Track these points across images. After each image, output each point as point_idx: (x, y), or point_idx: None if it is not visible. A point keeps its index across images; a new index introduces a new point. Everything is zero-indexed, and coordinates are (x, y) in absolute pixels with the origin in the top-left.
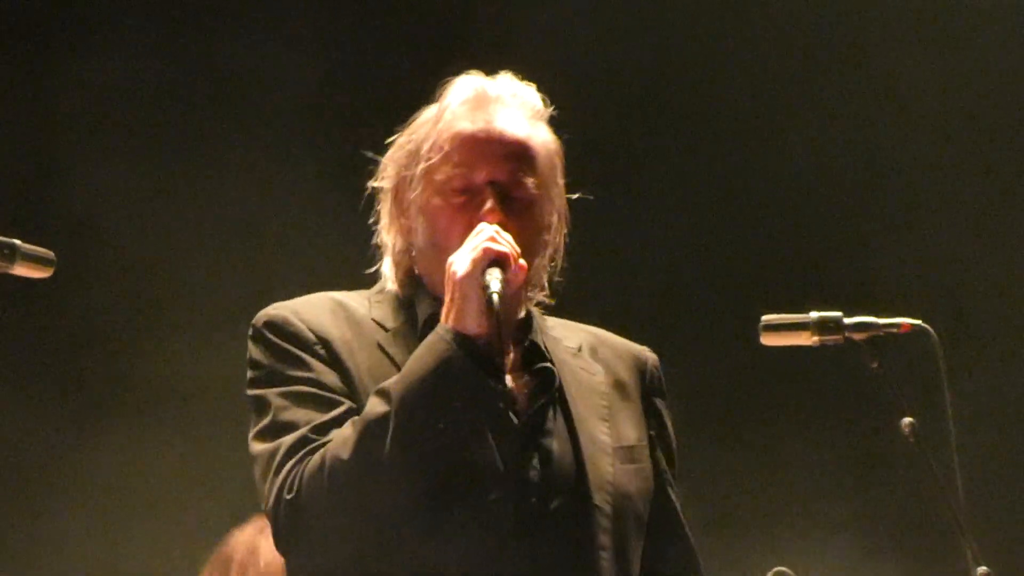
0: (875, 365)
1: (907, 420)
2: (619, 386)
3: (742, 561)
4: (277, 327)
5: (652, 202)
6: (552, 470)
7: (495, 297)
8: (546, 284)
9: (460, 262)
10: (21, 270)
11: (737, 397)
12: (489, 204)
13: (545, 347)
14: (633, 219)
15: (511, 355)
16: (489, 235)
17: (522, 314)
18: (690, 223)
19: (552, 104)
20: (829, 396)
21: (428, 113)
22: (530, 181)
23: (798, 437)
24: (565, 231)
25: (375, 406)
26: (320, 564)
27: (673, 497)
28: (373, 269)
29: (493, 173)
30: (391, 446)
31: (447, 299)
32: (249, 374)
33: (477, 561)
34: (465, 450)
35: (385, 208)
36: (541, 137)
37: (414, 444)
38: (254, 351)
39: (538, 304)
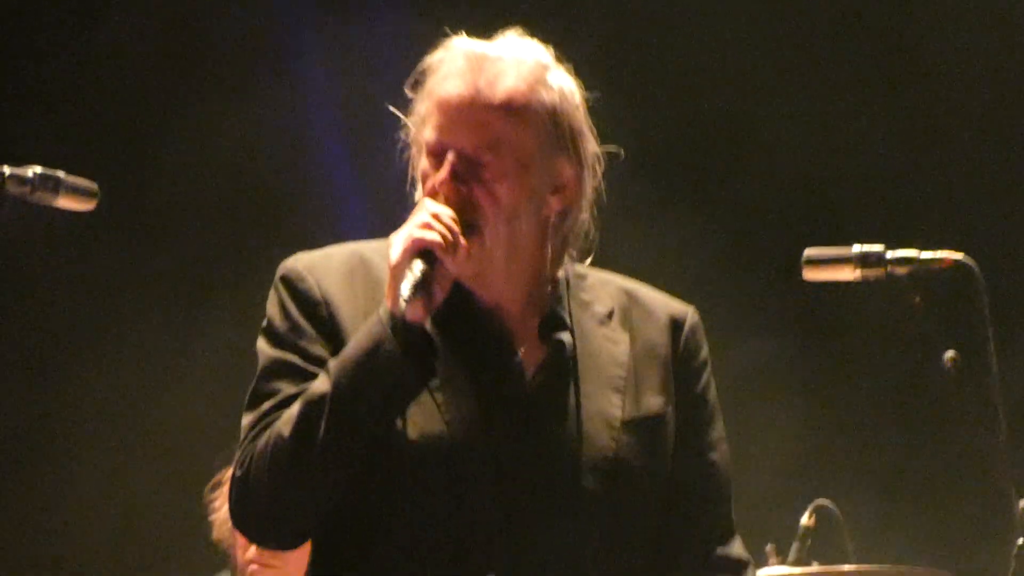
0: (917, 299)
1: (949, 354)
2: (648, 350)
3: (785, 495)
4: (289, 281)
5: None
6: (545, 449)
7: (403, 299)
8: (582, 236)
9: (395, 244)
10: (65, 202)
11: (779, 333)
12: (442, 174)
13: (570, 314)
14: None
15: (532, 325)
16: (424, 220)
17: (558, 273)
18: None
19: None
20: (871, 332)
21: (431, 69)
22: (506, 148)
23: (840, 372)
24: (592, 185)
25: (319, 384)
26: (272, 543)
27: (712, 459)
28: None
29: (458, 139)
30: (325, 429)
31: (389, 280)
32: (263, 323)
33: (455, 549)
34: (425, 435)
35: (414, 160)
36: (536, 96)
37: (344, 427)
38: (270, 301)
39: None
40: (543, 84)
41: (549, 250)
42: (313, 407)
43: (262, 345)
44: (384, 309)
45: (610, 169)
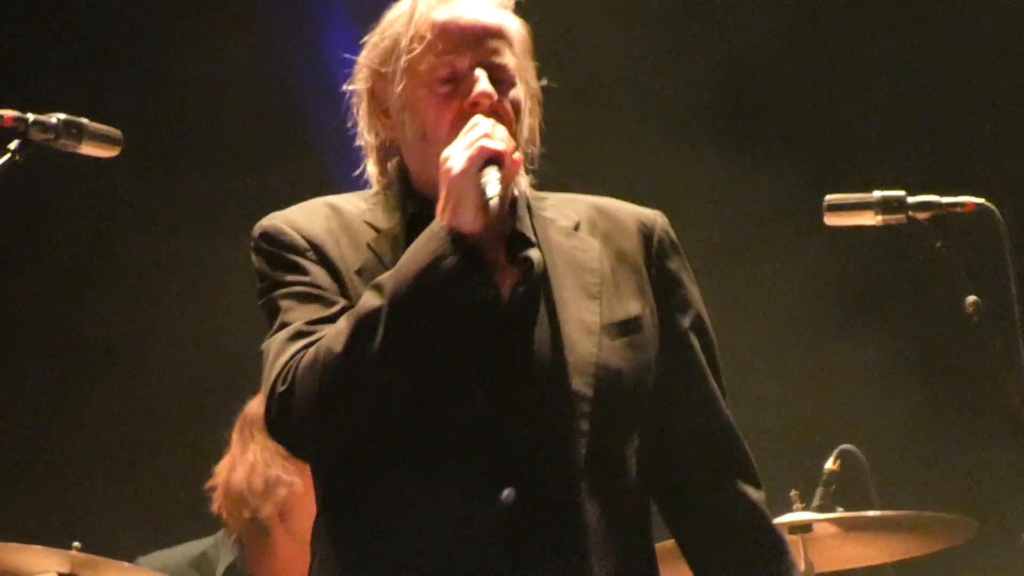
0: (939, 244)
1: (971, 299)
2: (620, 257)
3: (809, 439)
4: (271, 237)
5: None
6: (530, 359)
7: (494, 201)
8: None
9: (456, 158)
10: (88, 149)
11: (802, 284)
12: (482, 84)
13: (534, 231)
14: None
15: (494, 244)
16: (484, 131)
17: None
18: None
19: None
20: (894, 276)
21: (399, 8)
22: (511, 62)
23: (865, 317)
24: (539, 116)
25: (369, 300)
26: (309, 455)
27: (700, 358)
28: (358, 172)
29: (478, 55)
30: (382, 339)
31: (442, 195)
32: (258, 285)
33: (449, 464)
34: (453, 346)
35: (363, 109)
36: (512, 22)
37: (405, 338)
38: (256, 262)
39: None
40: (509, 12)
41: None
42: (367, 320)
43: (265, 298)
44: (439, 224)
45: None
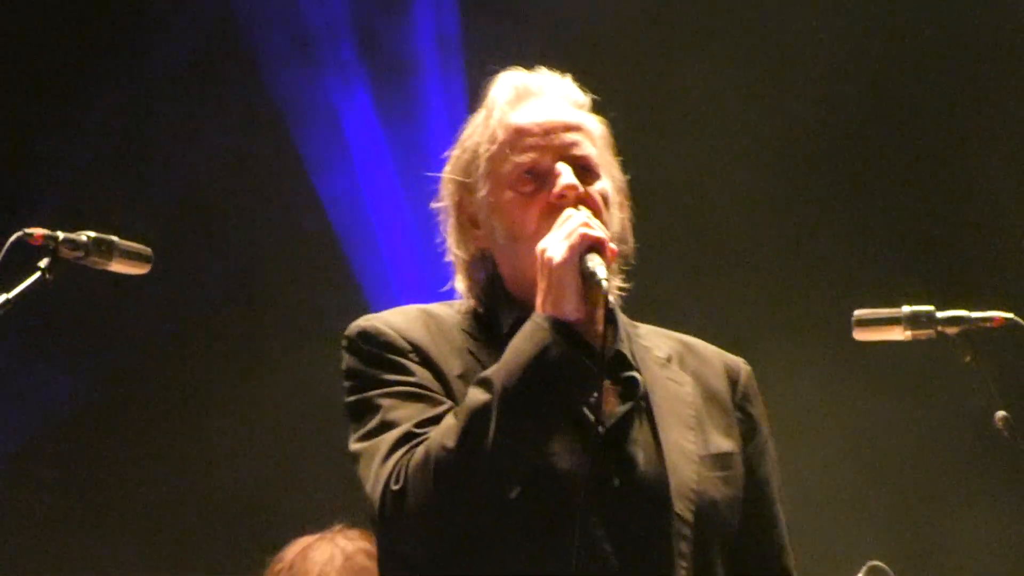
0: (968, 359)
1: (1000, 414)
2: (709, 396)
3: (838, 555)
4: (370, 337)
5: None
6: (635, 477)
7: (604, 283)
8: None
9: (555, 248)
10: (118, 266)
11: (828, 389)
12: (566, 176)
13: (632, 355)
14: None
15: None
16: (582, 220)
17: (612, 300)
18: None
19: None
20: (922, 390)
21: (476, 119)
22: (593, 155)
23: (891, 429)
24: (628, 208)
25: (476, 395)
26: (421, 555)
27: (776, 511)
28: (447, 287)
29: (559, 150)
30: (495, 433)
31: (541, 286)
32: (346, 384)
33: (557, 564)
34: (562, 441)
35: (451, 224)
36: (590, 119)
37: (517, 429)
38: (350, 361)
39: (622, 306)
40: (586, 112)
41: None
42: (476, 416)
43: (360, 396)
44: (540, 314)
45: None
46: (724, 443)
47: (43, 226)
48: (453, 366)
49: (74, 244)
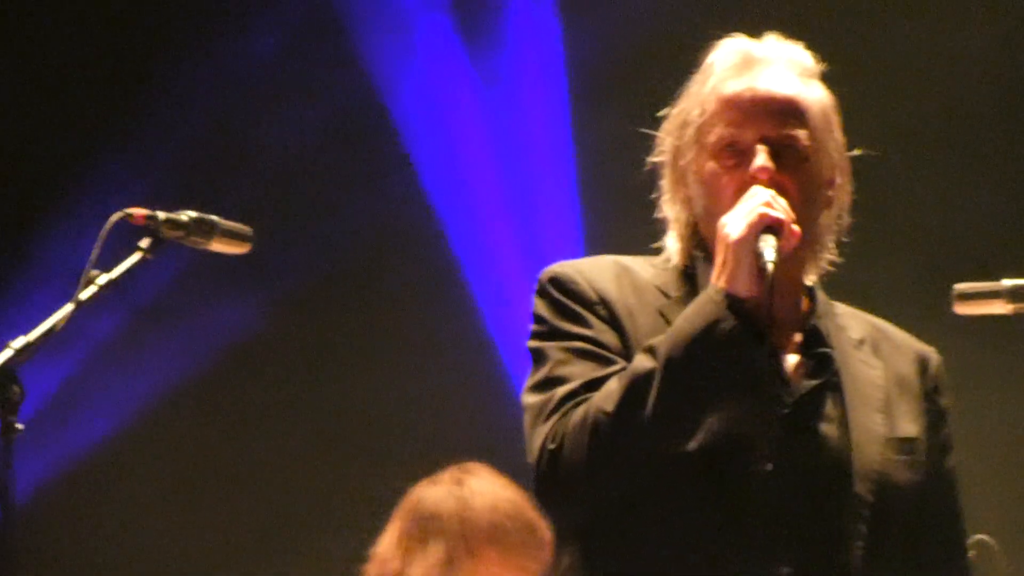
0: None
1: None
2: (899, 381)
3: None
4: (561, 283)
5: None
6: (817, 453)
7: (770, 266)
8: (831, 245)
9: (733, 224)
10: (219, 246)
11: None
12: (760, 159)
13: (828, 333)
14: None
15: (794, 337)
16: (764, 199)
17: (808, 281)
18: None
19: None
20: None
21: (698, 78)
22: (803, 135)
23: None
24: (850, 189)
25: (642, 362)
26: (574, 515)
27: (958, 500)
28: (659, 244)
29: (762, 129)
30: (654, 402)
31: (718, 261)
32: (532, 327)
33: (729, 534)
34: (727, 414)
35: (665, 181)
36: (812, 93)
37: (677, 402)
38: (539, 305)
39: (821, 279)
40: (814, 83)
41: (812, 254)
42: (639, 383)
43: (542, 343)
44: (716, 288)
45: None
46: (911, 428)
47: (141, 206)
48: (640, 324)
49: (175, 224)
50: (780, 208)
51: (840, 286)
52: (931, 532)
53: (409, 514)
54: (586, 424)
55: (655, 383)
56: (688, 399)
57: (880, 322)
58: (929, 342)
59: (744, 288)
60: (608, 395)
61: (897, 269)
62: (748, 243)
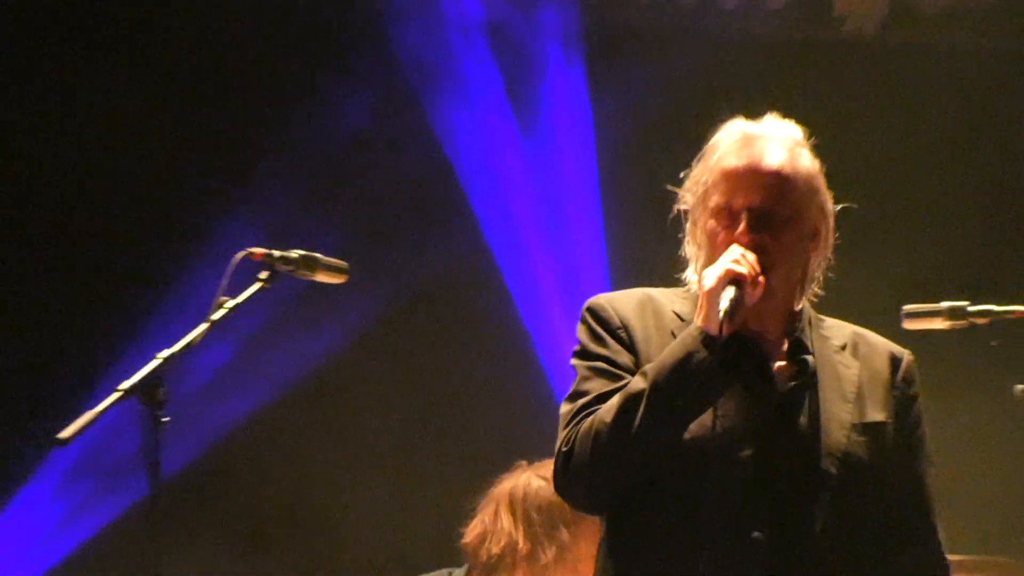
0: (994, 343)
1: (1020, 387)
2: (873, 376)
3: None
4: (594, 312)
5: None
6: (793, 438)
7: (720, 314)
8: (819, 277)
9: (710, 276)
10: (321, 277)
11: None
12: (741, 227)
13: (811, 342)
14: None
15: (783, 346)
16: (734, 257)
17: (798, 307)
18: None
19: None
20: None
21: (715, 138)
22: (784, 203)
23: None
24: (832, 237)
25: (637, 382)
26: (586, 508)
27: (922, 477)
28: (682, 276)
29: (748, 200)
30: (642, 416)
31: (699, 303)
32: (576, 347)
33: (711, 506)
34: (721, 410)
35: (689, 227)
36: (799, 164)
37: (660, 417)
38: (579, 330)
39: (813, 304)
40: (801, 155)
41: (800, 287)
42: (632, 400)
43: (576, 361)
44: (695, 326)
45: None
46: (879, 415)
47: (256, 244)
48: (654, 346)
49: (286, 260)
50: (746, 264)
51: (839, 305)
52: (897, 500)
53: (521, 501)
54: (590, 432)
55: (643, 400)
56: (668, 414)
57: (861, 330)
58: (913, 350)
59: (714, 328)
60: (609, 408)
61: (887, 289)
62: (716, 292)
